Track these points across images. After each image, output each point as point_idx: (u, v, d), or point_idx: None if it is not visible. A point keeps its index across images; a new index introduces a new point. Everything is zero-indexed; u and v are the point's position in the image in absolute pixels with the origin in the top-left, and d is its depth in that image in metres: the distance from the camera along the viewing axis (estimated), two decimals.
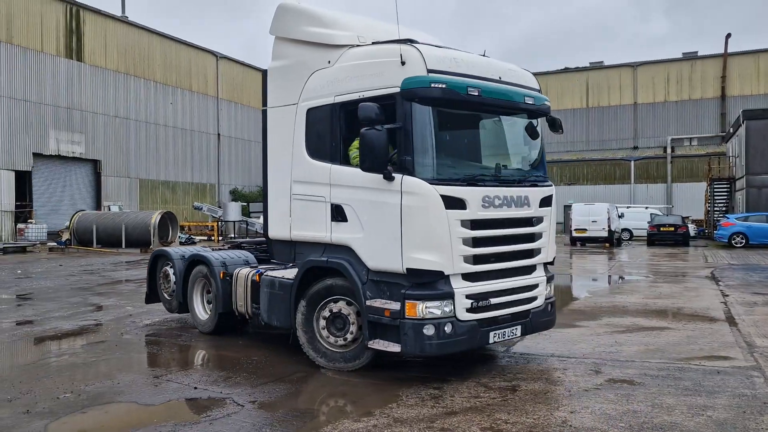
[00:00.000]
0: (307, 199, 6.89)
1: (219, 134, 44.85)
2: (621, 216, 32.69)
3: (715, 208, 36.16)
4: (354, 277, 6.16)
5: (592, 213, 29.34)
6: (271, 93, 7.59)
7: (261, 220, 36.13)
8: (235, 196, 45.42)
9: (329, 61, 6.75)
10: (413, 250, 5.76)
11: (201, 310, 8.71)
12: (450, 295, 5.82)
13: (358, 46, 6.61)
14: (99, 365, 7.04)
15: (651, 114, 47.14)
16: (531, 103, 6.59)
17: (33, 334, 8.93)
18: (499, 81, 6.39)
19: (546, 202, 6.69)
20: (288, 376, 6.42)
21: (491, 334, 6.15)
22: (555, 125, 7.07)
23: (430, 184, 5.74)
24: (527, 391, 5.86)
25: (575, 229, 29.56)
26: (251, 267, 7.88)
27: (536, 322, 6.70)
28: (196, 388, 6.04)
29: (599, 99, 48.70)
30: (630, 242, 33.51)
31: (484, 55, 6.85)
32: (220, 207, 37.49)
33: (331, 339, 6.49)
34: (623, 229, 33.33)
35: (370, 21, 7.08)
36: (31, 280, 15.91)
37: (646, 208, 37.16)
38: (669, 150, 44.76)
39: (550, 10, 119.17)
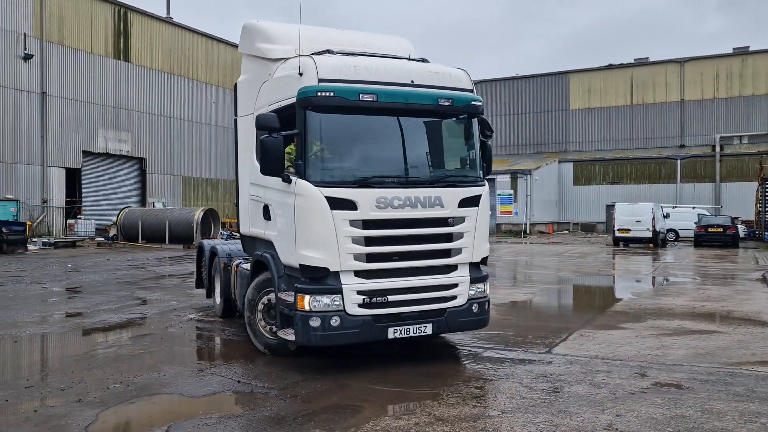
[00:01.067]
0: (255, 199, 7.40)
1: None
2: (666, 216, 31.84)
3: (767, 209, 34.85)
4: (273, 270, 6.68)
5: (636, 213, 28.66)
6: (239, 104, 8.22)
7: None
8: None
9: (270, 74, 7.25)
10: (303, 248, 6.15)
11: (218, 296, 9.67)
12: (338, 291, 6.11)
13: (292, 58, 6.87)
14: (145, 357, 7.23)
15: (699, 111, 45.74)
16: (446, 104, 6.53)
17: (83, 326, 9.23)
18: (411, 84, 6.45)
19: (469, 202, 6.64)
20: (329, 372, 6.46)
21: (390, 329, 6.29)
22: (483, 127, 6.94)
23: (317, 186, 6.07)
24: (571, 394, 5.76)
25: (618, 229, 28.93)
26: (245, 259, 8.40)
27: (454, 321, 6.67)
28: (239, 381, 6.14)
29: (644, 96, 47.49)
30: (676, 243, 32.62)
31: (410, 59, 6.95)
32: None
33: (263, 324, 7.13)
34: (669, 230, 32.47)
35: (316, 33, 7.36)
36: (81, 273, 16.43)
37: (693, 208, 36.08)
38: (718, 148, 43.31)
39: (601, 11, 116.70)
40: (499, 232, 39.98)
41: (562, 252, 24.89)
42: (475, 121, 6.85)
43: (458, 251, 6.61)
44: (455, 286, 6.63)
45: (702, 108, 45.61)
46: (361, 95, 6.14)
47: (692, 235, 30.36)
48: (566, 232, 44.06)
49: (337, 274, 6.15)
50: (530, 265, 20.36)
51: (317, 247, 6.08)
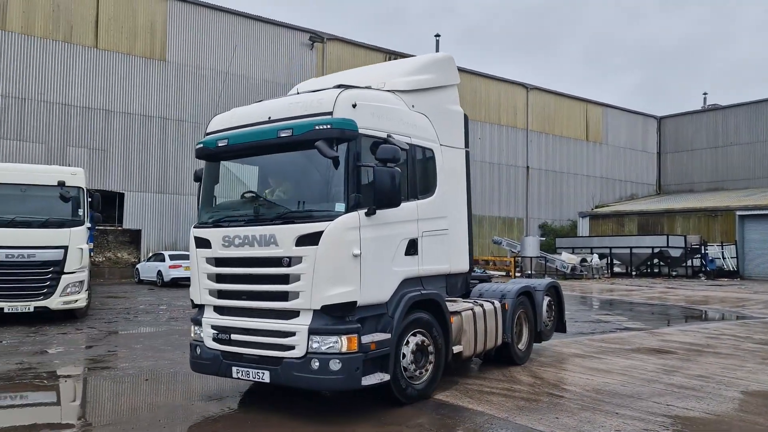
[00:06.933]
0: None
1: (528, 167, 43.49)
2: None
3: None
4: None
5: None
6: None
7: (563, 256, 32.79)
8: (545, 230, 43.19)
9: None
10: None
11: None
12: (200, 323, 6.46)
13: None
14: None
15: None
16: (287, 135, 5.87)
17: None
18: (268, 121, 6.14)
19: (307, 240, 5.64)
20: None
21: (234, 368, 6.11)
22: (322, 153, 5.65)
23: (194, 228, 6.56)
24: None
25: None
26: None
27: (289, 374, 5.71)
28: None
29: None
30: None
31: (351, 87, 6.22)
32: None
33: None
34: None
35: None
36: None
37: None
38: None
39: None
40: None
41: None
42: (344, 146, 5.73)
43: (295, 294, 5.75)
44: (292, 334, 5.76)
45: None
46: (218, 143, 6.38)
47: None
48: None
49: (202, 307, 6.45)
50: None
51: (192, 281, 6.55)
